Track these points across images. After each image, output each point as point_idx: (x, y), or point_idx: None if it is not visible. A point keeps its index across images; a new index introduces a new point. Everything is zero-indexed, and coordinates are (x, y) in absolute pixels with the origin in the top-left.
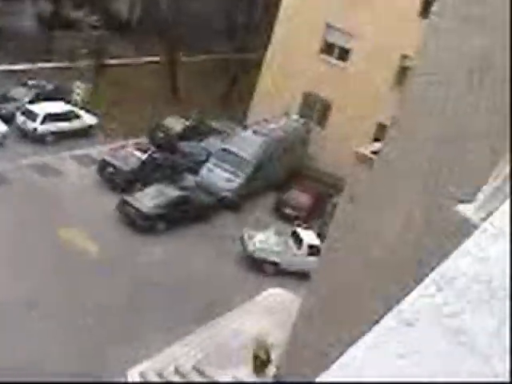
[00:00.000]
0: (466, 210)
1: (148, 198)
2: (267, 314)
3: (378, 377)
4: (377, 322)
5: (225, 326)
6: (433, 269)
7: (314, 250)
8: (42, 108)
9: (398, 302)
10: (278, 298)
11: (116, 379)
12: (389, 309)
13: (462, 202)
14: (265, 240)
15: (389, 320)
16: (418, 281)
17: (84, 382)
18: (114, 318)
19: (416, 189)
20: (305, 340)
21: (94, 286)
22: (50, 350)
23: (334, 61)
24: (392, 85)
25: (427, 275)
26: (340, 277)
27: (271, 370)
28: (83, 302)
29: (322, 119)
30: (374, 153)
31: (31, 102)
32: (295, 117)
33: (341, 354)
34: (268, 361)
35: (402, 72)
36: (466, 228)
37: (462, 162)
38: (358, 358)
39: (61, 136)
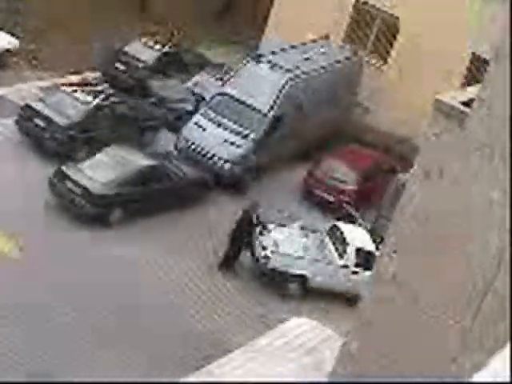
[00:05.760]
0: None
1: (99, 170)
2: (287, 356)
3: None
4: None
5: (222, 375)
6: None
7: (364, 258)
8: None
9: None
10: (304, 333)
11: None
12: None
13: None
14: (286, 241)
15: None
16: None
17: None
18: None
19: None
20: None
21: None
22: None
23: None
24: None
25: None
26: (409, 303)
27: None
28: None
29: (383, 48)
30: (466, 104)
31: None
32: (339, 42)
33: None
34: None
35: None
36: None
37: None
38: None
39: None
